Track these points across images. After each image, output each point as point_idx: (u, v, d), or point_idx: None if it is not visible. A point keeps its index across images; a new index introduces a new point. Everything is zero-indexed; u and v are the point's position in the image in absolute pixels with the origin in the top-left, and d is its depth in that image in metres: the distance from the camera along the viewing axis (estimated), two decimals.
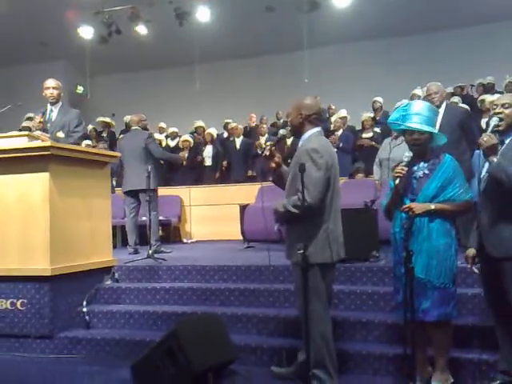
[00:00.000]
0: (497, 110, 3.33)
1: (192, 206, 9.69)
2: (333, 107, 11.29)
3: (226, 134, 11.59)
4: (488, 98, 8.24)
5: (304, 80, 11.90)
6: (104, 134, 11.67)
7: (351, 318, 4.35)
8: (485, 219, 3.32)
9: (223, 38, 12.67)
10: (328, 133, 9.81)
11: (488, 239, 3.31)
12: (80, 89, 14.42)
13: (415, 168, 3.48)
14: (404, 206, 3.40)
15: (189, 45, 12.31)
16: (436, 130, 3.56)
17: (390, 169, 6.74)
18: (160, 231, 7.64)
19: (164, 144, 10.82)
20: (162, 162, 9.29)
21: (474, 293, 4.23)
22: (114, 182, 8.80)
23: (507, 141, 3.29)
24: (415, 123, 3.44)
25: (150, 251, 6.13)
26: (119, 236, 8.32)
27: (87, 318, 5.03)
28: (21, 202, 4.87)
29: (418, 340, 3.29)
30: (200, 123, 11.26)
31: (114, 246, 6.01)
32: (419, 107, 3.51)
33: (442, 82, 5.87)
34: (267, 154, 3.77)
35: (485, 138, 3.19)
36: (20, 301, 4.83)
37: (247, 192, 8.64)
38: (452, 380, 3.53)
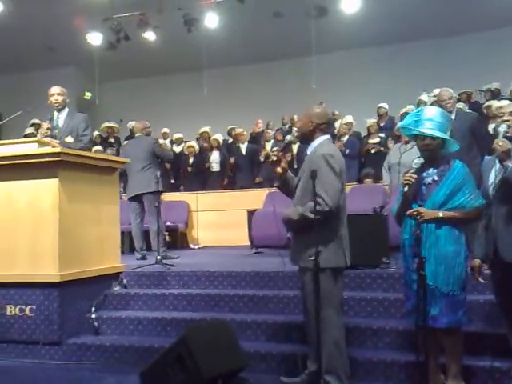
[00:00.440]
0: (505, 118, 3.33)
1: (199, 211, 9.70)
2: (336, 113, 11.28)
3: (230, 140, 11.57)
4: (494, 103, 8.19)
5: (312, 86, 11.89)
6: (112, 140, 11.69)
7: (362, 325, 4.33)
8: (499, 224, 3.29)
9: (231, 44, 12.69)
10: (333, 139, 9.81)
11: (502, 244, 3.28)
12: (88, 95, 14.46)
13: (425, 174, 3.47)
14: (412, 210, 3.38)
15: (197, 51, 12.32)
16: (448, 137, 3.54)
17: (401, 174, 6.77)
18: (166, 237, 7.64)
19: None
20: (169, 166, 9.31)
21: (486, 299, 4.19)
22: (121, 189, 8.81)
23: None
24: (427, 129, 3.43)
25: (159, 257, 6.12)
26: (127, 242, 8.32)
27: (96, 324, 5.01)
28: (31, 208, 4.86)
29: (429, 347, 3.27)
30: (205, 129, 11.27)
31: (122, 252, 5.99)
32: (432, 113, 3.50)
33: (448, 87, 5.87)
34: (274, 159, 3.77)
35: (500, 143, 3.19)
36: (29, 307, 4.82)
37: (254, 198, 8.64)
38: None
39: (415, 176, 3.39)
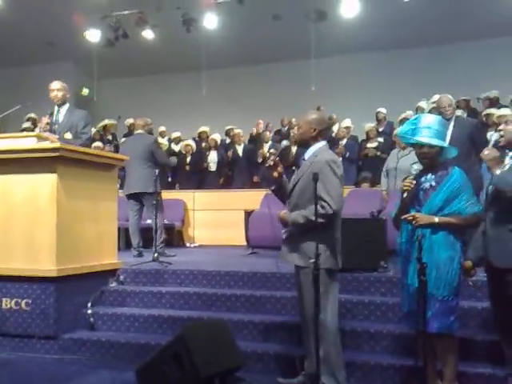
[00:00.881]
0: (500, 127, 3.38)
1: (196, 210, 9.69)
2: (334, 117, 11.32)
3: (228, 141, 11.58)
4: (497, 112, 8.25)
5: (311, 88, 11.91)
6: (109, 137, 11.67)
7: (359, 328, 4.33)
8: (488, 231, 3.32)
9: (230, 45, 12.68)
10: (332, 142, 9.84)
11: (491, 250, 3.32)
12: (85, 91, 14.37)
13: (423, 179, 3.49)
14: (408, 215, 3.40)
15: (196, 51, 12.31)
16: (446, 144, 3.55)
17: (398, 178, 6.81)
18: (164, 234, 7.63)
19: (166, 148, 10.82)
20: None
21: (483, 306, 4.21)
22: (118, 185, 8.79)
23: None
24: (425, 137, 3.43)
25: (155, 255, 6.11)
26: (123, 238, 8.29)
27: (92, 319, 5.00)
28: (28, 203, 4.85)
29: (427, 352, 3.28)
30: (204, 128, 11.30)
31: (118, 249, 5.99)
32: (429, 121, 3.51)
33: (447, 94, 5.90)
34: (271, 163, 3.80)
35: (486, 152, 3.26)
36: (25, 301, 4.81)
37: (251, 198, 8.64)
38: None
39: (414, 182, 3.42)
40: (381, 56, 13.33)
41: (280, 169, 3.82)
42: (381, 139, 9.75)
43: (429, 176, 3.47)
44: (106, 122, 11.96)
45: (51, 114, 5.85)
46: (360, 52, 13.34)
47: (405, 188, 3.42)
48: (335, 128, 10.75)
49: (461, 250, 3.44)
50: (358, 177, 9.01)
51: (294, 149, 9.20)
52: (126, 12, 11.64)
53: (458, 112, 9.23)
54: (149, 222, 7.16)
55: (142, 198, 7.03)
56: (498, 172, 3.21)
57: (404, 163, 6.79)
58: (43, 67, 13.58)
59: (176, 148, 11.12)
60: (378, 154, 9.29)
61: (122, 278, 5.52)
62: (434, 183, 3.44)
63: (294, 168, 3.89)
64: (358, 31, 11.93)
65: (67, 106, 5.87)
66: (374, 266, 5.10)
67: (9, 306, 4.83)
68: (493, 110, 8.73)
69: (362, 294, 4.82)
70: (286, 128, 11.66)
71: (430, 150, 3.44)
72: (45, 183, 4.83)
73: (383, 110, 10.70)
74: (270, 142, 10.41)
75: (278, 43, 12.90)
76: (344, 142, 9.65)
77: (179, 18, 11.54)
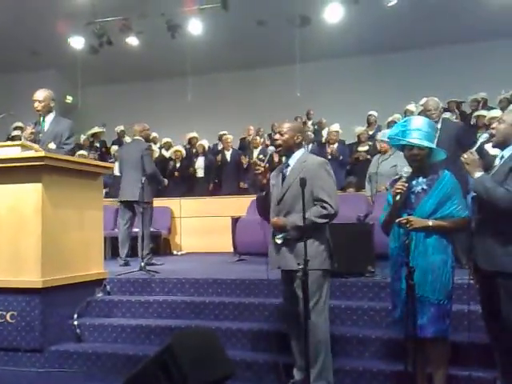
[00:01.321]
0: (493, 126, 3.39)
1: (182, 217, 9.64)
2: (324, 121, 11.33)
3: (220, 146, 11.53)
4: (488, 113, 8.29)
5: (296, 94, 11.93)
6: (97, 144, 11.61)
7: (347, 334, 4.32)
8: (476, 234, 3.34)
9: (215, 50, 12.71)
10: (321, 146, 9.87)
11: (477, 253, 3.33)
12: (69, 99, 14.31)
13: (414, 183, 3.49)
14: (402, 219, 3.39)
15: (181, 57, 12.30)
16: (435, 146, 3.56)
17: (379, 183, 6.85)
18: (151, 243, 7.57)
19: (157, 155, 10.78)
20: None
21: (471, 309, 4.19)
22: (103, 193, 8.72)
23: (506, 153, 3.31)
24: (415, 139, 3.45)
25: (142, 264, 6.06)
26: (109, 247, 8.22)
27: (78, 331, 4.94)
28: (13, 213, 4.79)
29: (417, 357, 3.27)
30: (193, 134, 11.27)
31: (104, 258, 5.92)
32: (419, 123, 3.53)
33: (434, 97, 5.92)
34: (262, 170, 3.85)
35: (465, 156, 3.26)
36: (10, 313, 4.73)
37: (238, 204, 8.63)
38: None
39: (407, 185, 3.41)
40: (366, 60, 13.40)
41: (268, 175, 3.87)
42: (371, 143, 9.74)
43: (420, 180, 3.47)
44: (96, 129, 11.90)
45: (36, 124, 5.78)
46: (345, 56, 13.42)
47: (397, 191, 3.41)
48: (324, 132, 10.76)
49: (452, 253, 3.44)
50: (345, 181, 9.03)
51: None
52: (110, 19, 11.58)
53: (447, 114, 9.29)
54: (136, 230, 7.08)
55: (134, 206, 6.97)
56: (476, 175, 3.21)
57: (384, 167, 6.83)
58: (27, 76, 13.51)
59: (166, 154, 11.06)
60: (369, 157, 9.29)
61: (108, 287, 5.46)
62: (425, 186, 3.45)
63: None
64: (343, 35, 11.99)
65: (53, 115, 5.79)
66: (362, 271, 5.09)
67: None
68: (483, 112, 8.78)
69: (349, 300, 4.80)
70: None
71: (420, 152, 3.45)
72: (30, 192, 4.78)
73: (374, 113, 10.74)
74: (260, 147, 10.38)
75: (263, 48, 12.95)
76: (335, 145, 9.65)
77: (164, 25, 11.51)
